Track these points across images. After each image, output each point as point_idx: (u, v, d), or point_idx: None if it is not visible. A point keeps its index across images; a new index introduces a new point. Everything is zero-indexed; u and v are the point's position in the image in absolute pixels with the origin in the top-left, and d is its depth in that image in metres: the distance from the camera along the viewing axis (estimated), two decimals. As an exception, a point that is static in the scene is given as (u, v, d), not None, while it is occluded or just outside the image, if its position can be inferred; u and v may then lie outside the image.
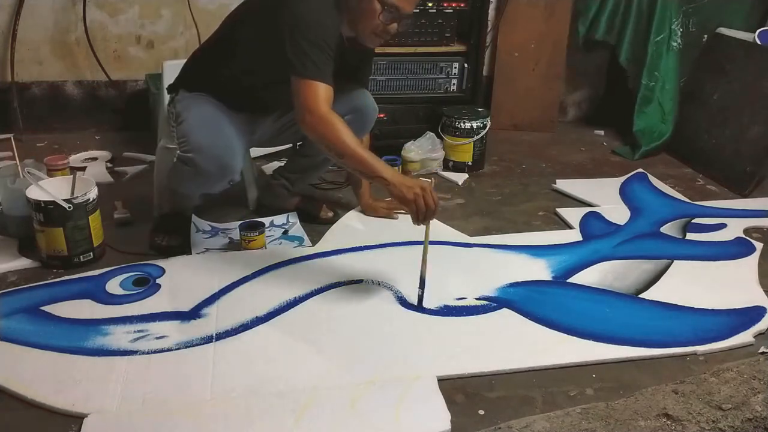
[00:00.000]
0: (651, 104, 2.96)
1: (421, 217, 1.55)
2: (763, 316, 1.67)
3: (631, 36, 2.98)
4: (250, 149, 2.17)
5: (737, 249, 2.04)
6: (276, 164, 2.43)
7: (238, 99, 1.80)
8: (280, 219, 2.11)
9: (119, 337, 1.50)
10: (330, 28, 1.61)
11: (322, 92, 1.57)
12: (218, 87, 1.79)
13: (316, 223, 2.10)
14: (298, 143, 2.13)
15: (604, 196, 2.42)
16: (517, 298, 1.72)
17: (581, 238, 2.09)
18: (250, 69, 1.75)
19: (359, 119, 1.91)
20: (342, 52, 1.68)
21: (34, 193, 1.75)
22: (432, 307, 1.66)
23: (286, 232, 2.03)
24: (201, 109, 1.77)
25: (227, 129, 1.74)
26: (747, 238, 2.12)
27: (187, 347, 1.47)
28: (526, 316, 1.64)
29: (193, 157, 1.69)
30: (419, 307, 1.66)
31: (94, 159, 2.56)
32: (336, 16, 1.64)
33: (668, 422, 1.31)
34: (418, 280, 1.66)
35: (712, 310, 1.70)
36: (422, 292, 1.66)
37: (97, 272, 1.76)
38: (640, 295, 1.77)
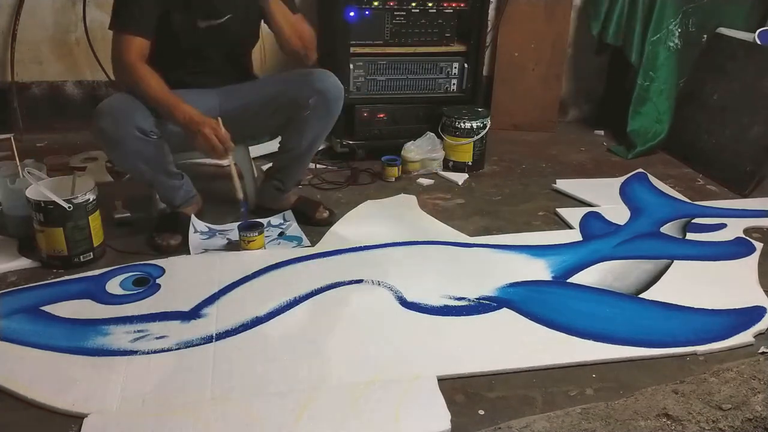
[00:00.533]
0: (646, 104, 2.96)
1: (212, 156, 1.77)
2: (763, 316, 1.67)
3: (639, 36, 2.97)
4: (249, 148, 2.17)
5: (737, 249, 2.04)
6: (268, 165, 2.42)
7: (168, 77, 1.83)
8: (276, 219, 2.11)
9: (119, 337, 1.50)
10: None
11: (127, 43, 1.75)
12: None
13: (312, 224, 2.10)
14: (279, 141, 2.13)
15: (604, 196, 2.42)
16: (517, 298, 1.72)
17: (581, 238, 2.09)
18: (163, 43, 1.85)
19: (323, 100, 1.93)
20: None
21: (34, 193, 1.75)
22: (432, 306, 1.66)
23: (282, 233, 2.03)
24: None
25: (129, 97, 1.78)
26: (747, 238, 2.12)
27: (187, 347, 1.47)
28: (526, 316, 1.64)
29: (94, 124, 1.75)
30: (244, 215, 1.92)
31: (94, 159, 2.56)
32: None
33: (668, 422, 1.31)
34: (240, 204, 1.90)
35: (712, 310, 1.70)
36: (244, 210, 1.92)
37: (97, 272, 1.76)
38: (640, 295, 1.77)
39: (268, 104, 1.97)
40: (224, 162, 1.83)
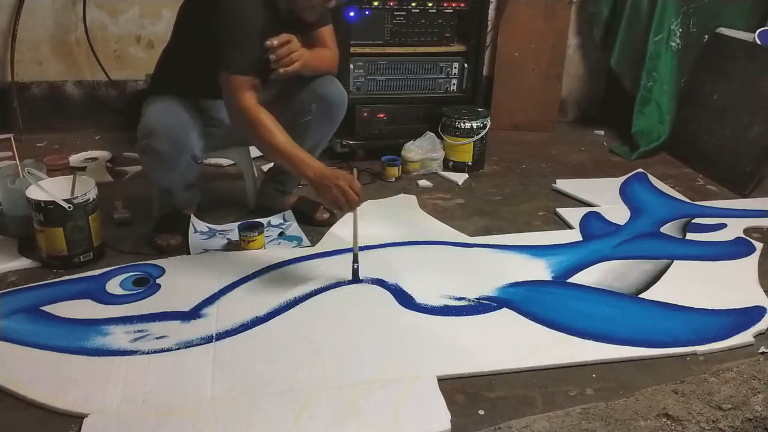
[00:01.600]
0: (649, 105, 2.97)
1: (346, 209, 1.65)
2: (763, 316, 1.67)
3: (623, 39, 2.98)
4: (250, 148, 2.17)
5: (737, 249, 2.04)
6: (269, 166, 2.42)
7: (199, 95, 1.83)
8: (276, 219, 2.11)
9: (119, 337, 1.50)
10: (254, 17, 1.66)
11: (241, 84, 1.66)
12: (180, 87, 1.82)
13: (312, 225, 2.10)
14: None
15: (604, 196, 2.42)
16: (517, 298, 1.72)
17: (581, 238, 2.09)
18: (203, 63, 1.76)
19: (325, 107, 1.93)
20: (280, 29, 1.71)
21: (34, 193, 1.75)
22: (432, 306, 1.66)
23: (282, 233, 2.02)
24: (159, 101, 1.81)
25: (181, 111, 1.77)
26: (747, 238, 2.12)
27: (187, 347, 1.47)
28: (526, 316, 1.64)
29: (148, 142, 1.72)
30: (356, 280, 1.76)
31: (94, 159, 2.56)
32: (261, 3, 1.68)
33: (668, 422, 1.31)
34: (353, 257, 1.75)
35: (712, 310, 1.70)
36: (357, 266, 1.75)
37: (97, 272, 1.76)
38: (640, 295, 1.77)
39: (271, 109, 1.95)
40: (345, 212, 1.71)
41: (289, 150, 1.65)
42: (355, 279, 1.76)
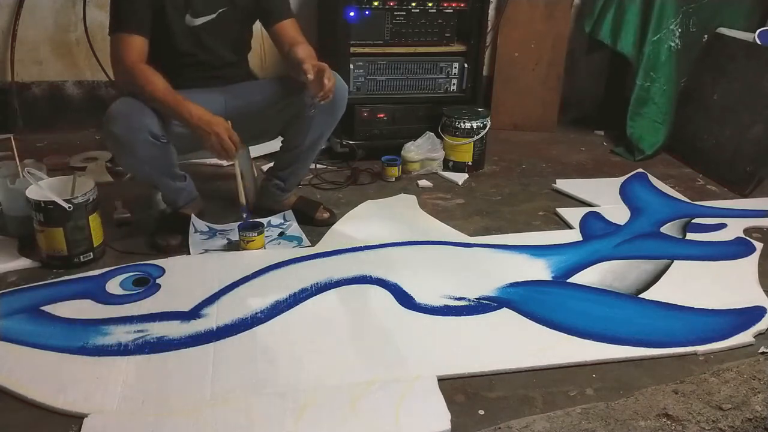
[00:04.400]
0: (647, 105, 2.96)
1: (223, 157, 1.77)
2: (763, 316, 1.67)
3: (636, 31, 2.95)
4: (249, 148, 2.17)
5: (737, 249, 2.04)
6: (269, 166, 2.42)
7: (175, 80, 1.82)
8: (276, 219, 2.11)
9: (119, 337, 1.50)
10: None
11: (124, 43, 1.73)
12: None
13: (312, 225, 2.10)
14: (281, 141, 2.13)
15: (604, 196, 2.42)
16: (517, 298, 1.72)
17: (581, 238, 2.09)
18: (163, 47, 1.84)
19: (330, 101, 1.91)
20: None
21: (34, 193, 1.75)
22: (432, 306, 1.66)
23: (282, 233, 2.03)
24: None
25: (137, 100, 1.77)
26: (747, 238, 2.12)
27: (187, 347, 1.47)
28: (526, 316, 1.64)
29: (105, 129, 1.74)
30: (246, 221, 1.90)
31: (94, 159, 2.56)
32: None
33: (668, 422, 1.31)
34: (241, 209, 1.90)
35: (712, 310, 1.70)
36: (247, 215, 1.90)
37: (97, 272, 1.76)
38: (640, 295, 1.77)
39: (273, 103, 1.96)
40: (227, 163, 1.83)
41: (170, 96, 1.72)
42: (247, 220, 1.91)
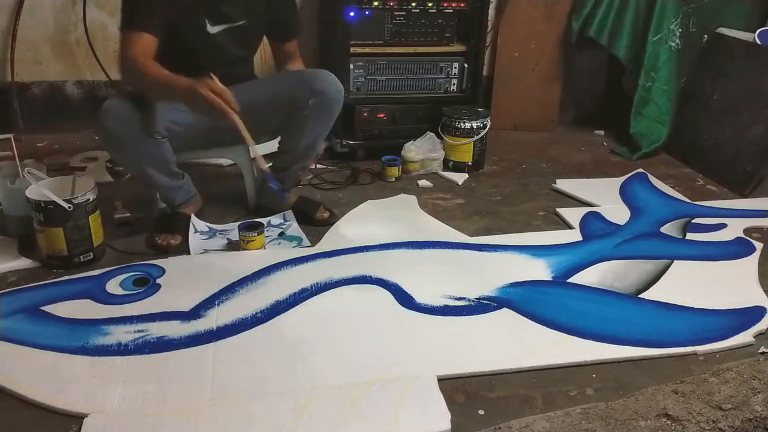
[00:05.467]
0: (648, 105, 2.96)
1: (217, 111, 1.58)
2: (763, 316, 1.67)
3: (630, 34, 2.97)
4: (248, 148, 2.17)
5: (737, 249, 2.04)
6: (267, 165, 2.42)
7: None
8: (276, 219, 2.11)
9: (119, 337, 1.50)
10: None
11: (132, 39, 1.70)
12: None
13: (312, 225, 2.10)
14: (279, 142, 2.13)
15: (604, 196, 2.42)
16: (517, 298, 1.72)
17: (581, 238, 2.09)
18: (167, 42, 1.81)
19: (322, 102, 1.94)
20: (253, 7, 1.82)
21: (34, 193, 1.75)
22: (432, 306, 1.66)
23: (282, 233, 2.02)
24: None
25: (133, 97, 1.77)
26: (747, 238, 2.12)
27: (187, 347, 1.47)
28: (526, 316, 1.64)
29: (99, 124, 1.74)
30: (281, 195, 1.93)
31: (94, 159, 2.56)
32: None
33: (668, 422, 1.31)
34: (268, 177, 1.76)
35: (712, 310, 1.70)
36: (276, 186, 1.81)
37: (97, 272, 1.76)
38: (640, 295, 1.77)
39: (269, 104, 1.97)
40: (228, 118, 1.62)
41: (162, 74, 1.66)
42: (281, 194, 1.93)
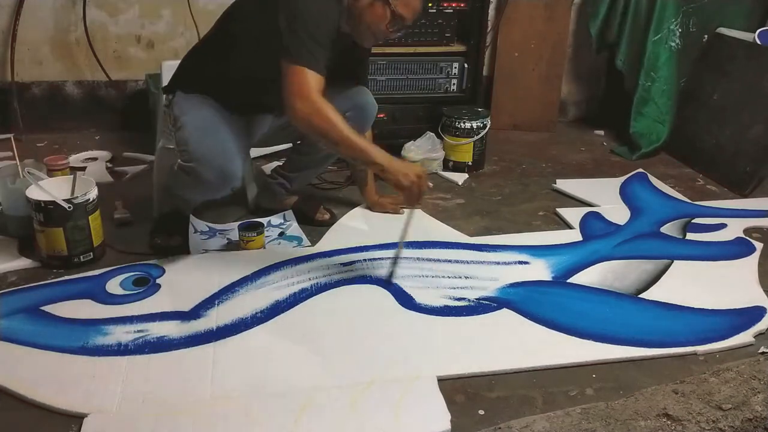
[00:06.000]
0: (648, 105, 2.96)
1: (413, 201, 1.64)
2: (763, 316, 1.67)
3: (628, 38, 2.98)
4: (250, 149, 2.17)
5: (737, 249, 2.04)
6: (276, 164, 2.43)
7: (235, 99, 1.78)
8: (276, 219, 2.11)
9: (119, 337, 1.50)
10: (330, 21, 1.61)
11: (314, 80, 1.54)
12: (215, 87, 1.77)
13: (312, 225, 2.10)
14: (296, 141, 2.13)
15: (604, 196, 2.42)
16: (517, 298, 1.71)
17: (581, 238, 2.09)
18: (247, 66, 1.72)
19: (359, 116, 1.92)
20: (338, 48, 1.66)
21: (34, 193, 1.75)
22: (432, 306, 1.66)
23: (282, 233, 2.03)
24: (199, 114, 1.73)
25: (227, 135, 1.71)
26: (747, 238, 2.11)
27: (187, 347, 1.47)
28: (526, 316, 1.64)
29: (194, 167, 1.67)
30: (389, 282, 1.76)
31: (94, 159, 2.56)
32: (337, 12, 1.64)
33: (668, 422, 1.31)
34: (394, 258, 1.78)
35: (712, 310, 1.70)
36: (393, 269, 1.77)
37: (97, 272, 1.76)
38: (640, 295, 1.77)
39: None
40: (412, 208, 1.72)
41: (359, 142, 1.57)
42: (389, 281, 1.76)
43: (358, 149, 1.57)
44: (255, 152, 2.34)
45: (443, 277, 1.81)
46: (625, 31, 2.96)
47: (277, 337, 1.53)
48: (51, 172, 2.11)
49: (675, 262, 1.94)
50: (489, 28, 2.93)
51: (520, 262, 1.91)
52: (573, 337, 1.57)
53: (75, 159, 2.53)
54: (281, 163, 2.19)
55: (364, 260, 1.87)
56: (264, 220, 2.05)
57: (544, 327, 1.60)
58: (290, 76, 1.54)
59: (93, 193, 1.80)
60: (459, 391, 1.39)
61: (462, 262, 1.90)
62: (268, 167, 2.46)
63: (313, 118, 1.54)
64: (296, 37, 1.55)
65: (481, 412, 1.33)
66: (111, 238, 1.93)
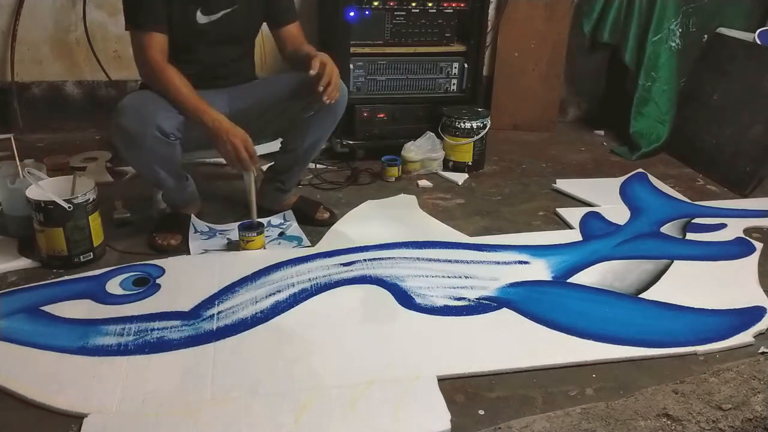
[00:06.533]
0: (648, 105, 2.96)
1: (237, 168, 1.76)
2: (763, 316, 1.67)
3: (634, 36, 2.97)
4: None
5: (737, 249, 2.04)
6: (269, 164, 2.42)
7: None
8: (276, 219, 2.11)
9: (119, 337, 1.50)
10: None
11: (151, 40, 1.73)
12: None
13: (312, 225, 2.10)
14: (281, 142, 2.12)
15: (604, 196, 2.42)
16: (517, 298, 1.72)
17: (581, 238, 2.09)
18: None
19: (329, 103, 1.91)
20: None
21: (34, 193, 1.75)
22: (432, 306, 1.66)
23: (282, 233, 2.03)
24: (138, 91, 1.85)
25: (150, 93, 1.78)
26: (747, 238, 2.12)
27: (187, 347, 1.47)
28: (526, 316, 1.64)
29: (115, 122, 1.72)
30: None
31: (94, 159, 2.56)
32: None
33: (668, 422, 1.31)
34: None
35: (712, 310, 1.70)
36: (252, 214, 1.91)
37: (97, 272, 1.76)
38: (640, 295, 1.77)
39: (274, 105, 1.96)
40: (244, 175, 1.85)
41: (193, 100, 1.74)
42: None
43: (191, 108, 1.73)
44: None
45: (443, 276, 1.81)
46: (630, 29, 2.96)
47: (277, 337, 1.53)
48: (51, 172, 2.11)
49: (675, 262, 1.94)
50: (489, 28, 2.93)
51: (520, 262, 1.91)
52: (573, 337, 1.57)
53: (75, 159, 2.52)
54: (271, 165, 2.19)
55: (364, 260, 1.87)
56: (264, 220, 2.05)
57: (544, 327, 1.60)
58: (131, 41, 1.77)
59: (93, 193, 1.80)
60: (459, 391, 1.39)
61: (462, 261, 1.91)
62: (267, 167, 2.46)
63: (152, 79, 1.77)
64: (125, 2, 1.75)
65: (481, 412, 1.33)
66: (111, 238, 1.93)
